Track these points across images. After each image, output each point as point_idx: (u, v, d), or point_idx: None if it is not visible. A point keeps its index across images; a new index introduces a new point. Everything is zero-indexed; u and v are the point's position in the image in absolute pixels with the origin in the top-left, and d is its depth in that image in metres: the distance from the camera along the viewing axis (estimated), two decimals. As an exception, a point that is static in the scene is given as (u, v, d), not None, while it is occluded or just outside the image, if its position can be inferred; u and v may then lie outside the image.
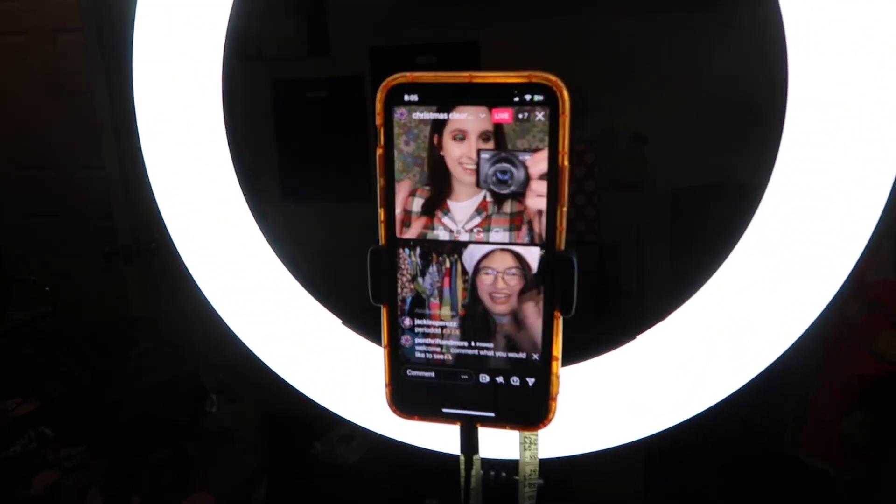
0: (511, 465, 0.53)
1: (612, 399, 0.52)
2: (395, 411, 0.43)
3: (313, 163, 1.90)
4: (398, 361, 0.42)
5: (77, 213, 2.32)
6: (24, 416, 1.26)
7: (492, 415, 0.42)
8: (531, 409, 0.41)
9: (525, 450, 0.53)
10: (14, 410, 1.26)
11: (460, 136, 0.38)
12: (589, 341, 0.52)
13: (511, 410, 0.41)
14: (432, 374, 0.42)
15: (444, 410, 0.42)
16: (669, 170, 2.08)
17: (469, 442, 0.44)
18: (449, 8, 2.09)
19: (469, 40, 2.17)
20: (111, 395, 1.31)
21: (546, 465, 0.54)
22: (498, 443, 0.55)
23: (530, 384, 0.41)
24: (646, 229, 1.76)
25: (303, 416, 1.97)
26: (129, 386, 1.35)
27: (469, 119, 0.37)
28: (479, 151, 0.38)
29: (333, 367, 0.60)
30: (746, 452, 1.67)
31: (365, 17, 2.16)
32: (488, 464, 0.56)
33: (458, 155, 0.38)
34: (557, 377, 0.40)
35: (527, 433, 0.53)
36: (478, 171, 0.38)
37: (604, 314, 1.65)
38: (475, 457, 0.49)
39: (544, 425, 0.42)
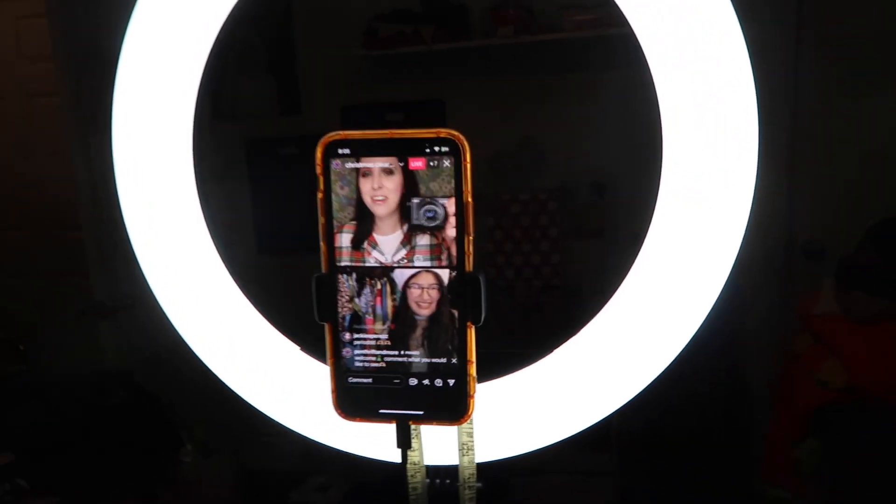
0: (452, 471, 0.60)
1: (538, 406, 0.59)
2: (340, 414, 0.49)
3: (286, 217, 1.97)
4: (341, 371, 0.49)
5: (50, 271, 2.36)
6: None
7: (421, 413, 0.48)
8: (453, 407, 0.48)
9: (463, 455, 0.60)
10: (-13, 463, 1.28)
11: (367, 173, 0.46)
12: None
13: (436, 408, 0.48)
14: (370, 380, 0.49)
15: (381, 411, 0.49)
16: (629, 216, 2.18)
17: (404, 438, 0.50)
18: (415, 68, 2.22)
19: (434, 98, 2.29)
20: (84, 446, 1.34)
21: (483, 468, 0.60)
22: (440, 451, 0.61)
23: (451, 385, 0.48)
24: (610, 273, 1.82)
25: (277, 469, 2.00)
26: (102, 436, 1.38)
27: (382, 162, 0.46)
28: (409, 197, 0.46)
29: (299, 392, 0.65)
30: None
31: (335, 77, 2.28)
32: (433, 471, 0.62)
33: (367, 190, 0.46)
34: (473, 378, 0.48)
35: (464, 440, 0.59)
36: (408, 213, 0.46)
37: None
38: (414, 454, 0.55)
39: (464, 420, 0.48)
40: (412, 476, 0.60)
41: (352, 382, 0.49)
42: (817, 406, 1.48)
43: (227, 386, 0.69)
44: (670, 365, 0.56)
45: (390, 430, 0.51)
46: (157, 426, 1.45)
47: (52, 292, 2.25)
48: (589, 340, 0.59)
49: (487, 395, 0.60)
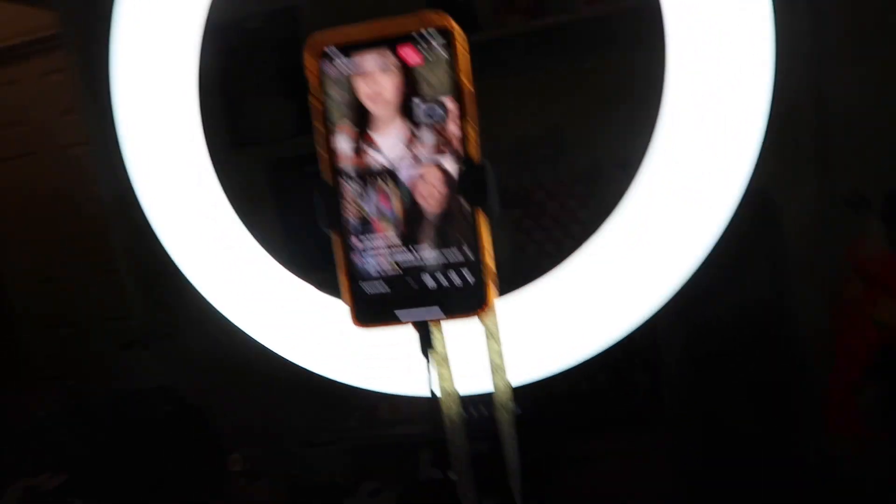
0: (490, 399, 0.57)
1: (569, 318, 0.56)
2: (357, 324, 0.48)
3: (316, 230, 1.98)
4: (354, 279, 0.47)
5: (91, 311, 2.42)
6: (54, 488, 1.29)
7: (438, 309, 0.47)
8: (472, 299, 0.46)
9: (497, 377, 0.58)
10: (44, 485, 1.30)
11: (362, 73, 0.45)
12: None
13: (454, 303, 0.46)
14: (384, 285, 0.47)
15: (398, 313, 0.47)
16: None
17: (424, 339, 0.49)
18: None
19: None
20: (133, 462, 1.34)
21: (520, 393, 0.58)
22: (473, 378, 0.59)
23: (468, 278, 0.45)
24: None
25: (327, 483, 1.99)
26: (150, 452, 1.38)
27: (374, 58, 0.44)
28: (408, 95, 0.45)
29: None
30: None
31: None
32: (468, 401, 0.60)
33: (364, 90, 0.45)
34: (491, 269, 0.46)
35: (496, 361, 0.57)
36: (408, 111, 0.45)
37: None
38: (446, 381, 0.53)
39: (484, 309, 0.46)
40: (447, 407, 0.58)
41: (366, 289, 0.47)
42: (877, 349, 1.41)
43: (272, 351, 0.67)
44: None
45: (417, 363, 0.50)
46: (203, 438, 1.45)
47: (96, 326, 2.29)
48: (611, 246, 0.56)
49: (512, 311, 0.58)
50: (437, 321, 0.48)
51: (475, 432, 0.60)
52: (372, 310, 0.47)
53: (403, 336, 0.59)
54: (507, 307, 0.57)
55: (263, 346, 0.63)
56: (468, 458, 0.59)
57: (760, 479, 1.93)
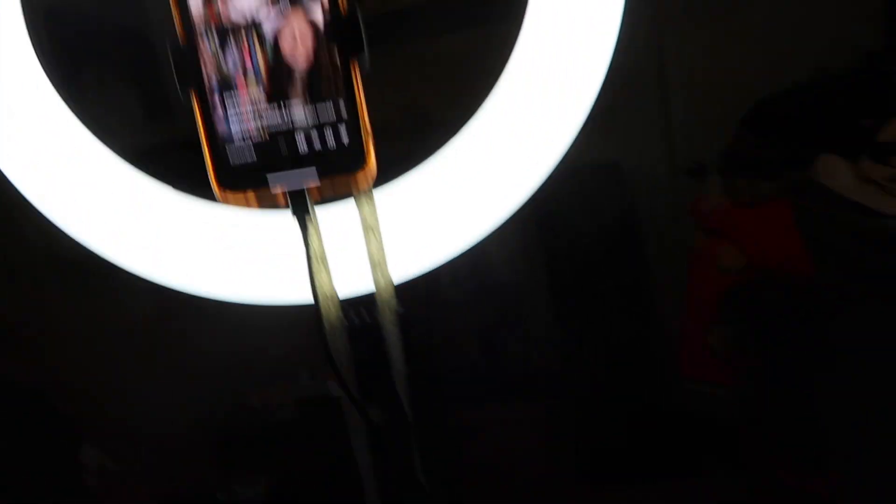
0: (371, 301, 0.54)
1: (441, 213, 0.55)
2: (222, 194, 0.43)
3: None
4: (216, 142, 0.43)
5: None
6: None
7: (314, 169, 0.43)
8: (349, 156, 0.43)
9: (378, 275, 0.55)
10: None
11: None
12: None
13: (331, 162, 0.43)
14: (251, 146, 0.43)
15: (269, 177, 0.43)
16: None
17: (299, 204, 0.45)
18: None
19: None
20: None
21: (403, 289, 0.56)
22: (351, 279, 0.56)
23: (343, 137, 0.43)
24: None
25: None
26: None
27: None
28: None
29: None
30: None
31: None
32: (346, 305, 0.56)
33: None
34: (367, 127, 0.43)
35: (376, 255, 0.55)
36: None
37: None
38: (324, 283, 0.50)
39: (366, 171, 0.44)
40: (326, 311, 0.54)
41: (231, 152, 0.43)
42: (722, 292, 1.53)
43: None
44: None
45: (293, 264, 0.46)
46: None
47: None
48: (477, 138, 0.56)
49: (392, 205, 0.55)
50: (313, 189, 0.44)
51: (357, 337, 0.57)
52: (239, 175, 0.43)
53: (270, 234, 0.55)
54: (385, 200, 0.54)
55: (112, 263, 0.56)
56: (351, 367, 0.56)
57: (626, 430, 2.04)
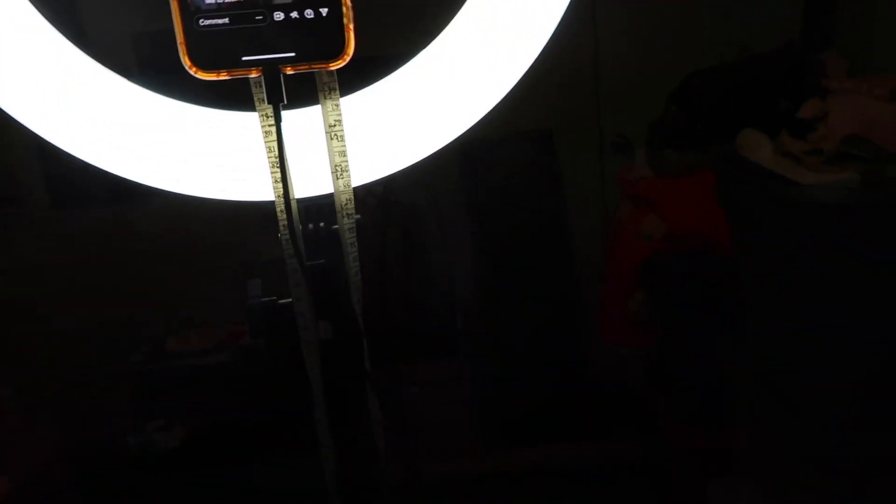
0: (328, 203, 0.54)
1: (397, 120, 0.55)
2: (193, 69, 0.42)
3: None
4: (188, 11, 0.41)
5: None
6: None
7: (292, 54, 0.42)
8: (329, 42, 0.42)
9: (338, 179, 0.55)
10: None
11: None
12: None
13: (310, 47, 0.42)
14: (226, 20, 0.41)
15: (245, 59, 0.42)
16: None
17: (273, 88, 0.44)
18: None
19: None
20: None
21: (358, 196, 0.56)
22: (312, 183, 0.56)
23: (323, 14, 0.42)
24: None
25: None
26: None
27: None
28: None
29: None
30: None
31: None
32: (304, 209, 0.56)
33: None
34: (348, 6, 0.43)
35: (338, 161, 0.54)
36: None
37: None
38: (279, 186, 0.49)
39: (343, 59, 0.43)
40: (281, 213, 0.54)
41: (204, 25, 0.41)
42: (643, 259, 1.59)
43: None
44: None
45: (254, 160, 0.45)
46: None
47: None
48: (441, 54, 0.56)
49: (353, 110, 0.55)
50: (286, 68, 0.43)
51: (312, 246, 0.57)
52: (212, 51, 0.42)
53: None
54: (348, 106, 0.54)
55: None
56: (305, 274, 0.55)
57: (542, 392, 2.11)
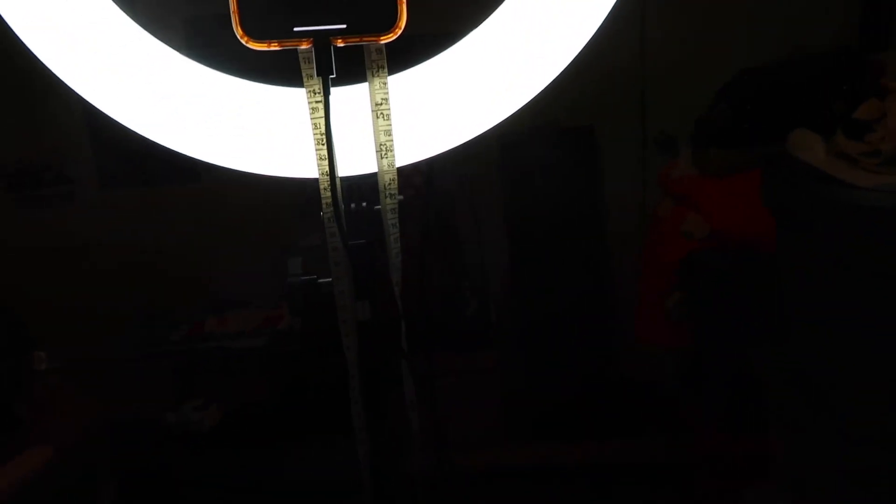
0: (371, 183, 0.54)
1: (448, 102, 0.54)
2: (245, 39, 0.42)
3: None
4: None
5: None
6: None
7: (343, 26, 0.42)
8: (381, 14, 0.42)
9: (382, 158, 0.55)
10: None
11: None
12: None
13: (362, 19, 0.42)
14: (280, -7, 0.42)
15: (296, 29, 0.42)
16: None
17: (323, 60, 0.44)
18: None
19: None
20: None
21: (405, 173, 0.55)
22: (355, 162, 0.55)
23: (377, -13, 0.42)
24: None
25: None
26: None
27: None
28: None
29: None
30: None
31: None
32: (346, 188, 0.56)
33: None
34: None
35: (382, 140, 0.54)
36: None
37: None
38: (324, 164, 0.48)
39: (396, 32, 0.43)
40: (325, 190, 0.53)
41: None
42: (682, 257, 1.56)
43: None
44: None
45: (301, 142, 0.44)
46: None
47: None
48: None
49: (400, 89, 0.55)
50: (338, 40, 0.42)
51: (353, 225, 0.57)
52: (264, 22, 0.42)
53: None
54: (394, 86, 0.53)
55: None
56: (346, 252, 0.55)
57: (573, 391, 2.09)
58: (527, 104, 0.56)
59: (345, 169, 0.55)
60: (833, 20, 1.79)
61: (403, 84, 0.55)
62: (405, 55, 0.56)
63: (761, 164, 1.23)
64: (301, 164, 0.55)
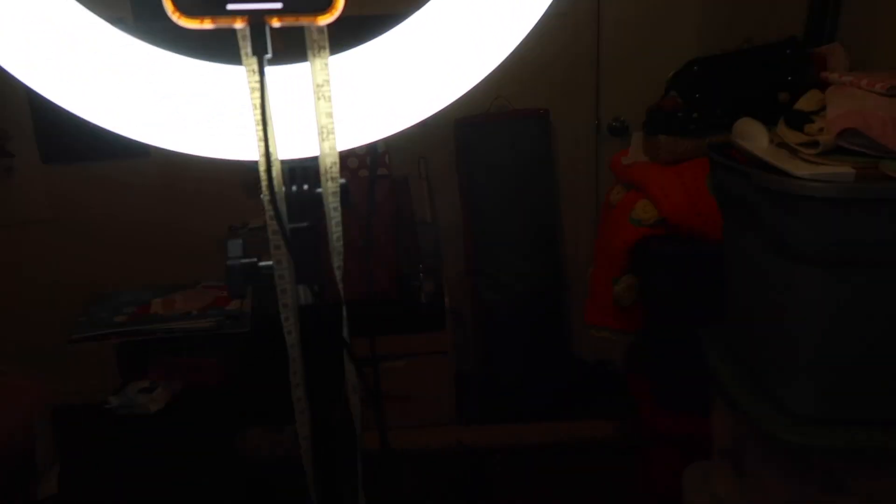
0: (314, 166, 0.53)
1: (392, 83, 0.53)
2: (176, 15, 0.41)
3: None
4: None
5: None
6: None
7: (279, 6, 0.41)
8: (315, -5, 0.41)
9: (323, 140, 0.54)
10: None
11: None
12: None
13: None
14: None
15: (230, 7, 0.41)
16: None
17: (258, 40, 0.43)
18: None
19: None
20: None
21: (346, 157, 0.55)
22: (299, 144, 0.54)
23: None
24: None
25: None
26: None
27: None
28: None
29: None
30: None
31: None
32: (289, 170, 0.55)
33: None
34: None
35: (324, 122, 0.53)
36: None
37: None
38: (273, 154, 0.48)
39: (332, 12, 0.42)
40: (264, 173, 0.52)
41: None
42: (633, 243, 1.59)
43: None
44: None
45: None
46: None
47: None
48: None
49: (342, 70, 0.54)
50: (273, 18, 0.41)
51: (296, 208, 0.56)
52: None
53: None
54: (336, 67, 0.52)
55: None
56: (285, 236, 0.54)
57: (525, 373, 2.12)
58: (484, 87, 0.56)
59: (288, 151, 0.54)
60: (782, 13, 1.83)
61: (348, 65, 0.55)
62: (350, 35, 0.55)
63: (708, 152, 1.25)
64: (249, 145, 0.54)
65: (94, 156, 2.05)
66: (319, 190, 0.54)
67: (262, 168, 0.49)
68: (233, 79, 0.54)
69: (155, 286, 1.69)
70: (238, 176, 1.95)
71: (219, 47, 0.52)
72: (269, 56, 0.43)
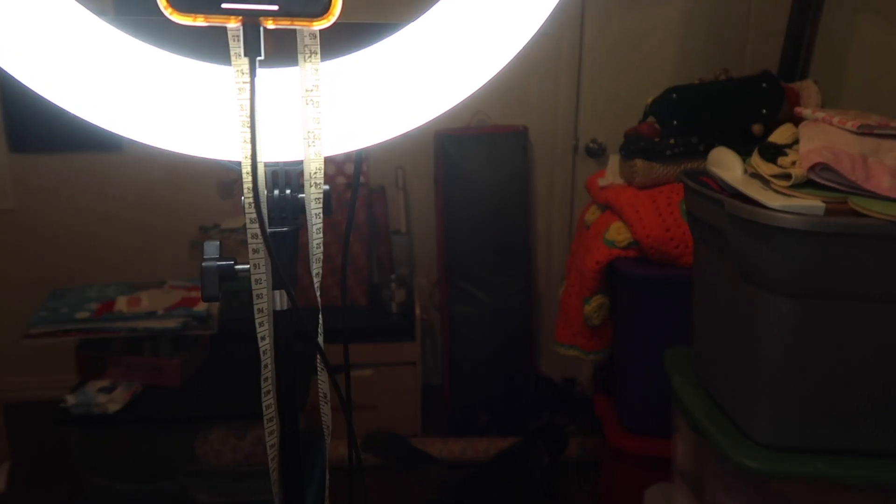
0: (297, 171, 0.53)
1: (386, 90, 0.53)
2: (169, 10, 0.40)
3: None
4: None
5: None
6: None
7: (275, 7, 0.41)
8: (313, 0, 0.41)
9: (309, 146, 0.54)
10: None
11: None
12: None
13: (294, 2, 0.41)
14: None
15: (224, 6, 0.41)
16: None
17: (251, 41, 0.42)
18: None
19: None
20: None
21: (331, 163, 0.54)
22: (283, 148, 0.54)
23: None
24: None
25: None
26: None
27: None
28: None
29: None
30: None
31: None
32: (271, 174, 0.54)
33: None
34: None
35: (311, 127, 0.53)
36: None
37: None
38: (247, 146, 0.47)
39: (328, 17, 0.42)
40: (247, 175, 0.52)
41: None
42: (605, 264, 1.60)
43: None
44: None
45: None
46: None
47: None
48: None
49: (332, 77, 0.54)
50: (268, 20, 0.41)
51: (277, 213, 0.56)
52: (191, -1, 0.40)
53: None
54: (327, 73, 0.52)
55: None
56: (266, 240, 0.54)
57: (493, 387, 2.12)
58: (466, 102, 0.56)
59: (272, 154, 0.53)
60: (757, 47, 1.88)
61: (338, 72, 0.54)
62: (342, 42, 0.55)
63: (682, 178, 1.27)
64: (229, 145, 0.53)
65: (65, 147, 2.01)
66: (302, 195, 0.54)
67: (245, 170, 0.49)
68: (215, 77, 0.53)
69: (121, 283, 1.66)
70: (212, 177, 1.93)
71: (200, 45, 0.52)
72: (261, 58, 0.42)
